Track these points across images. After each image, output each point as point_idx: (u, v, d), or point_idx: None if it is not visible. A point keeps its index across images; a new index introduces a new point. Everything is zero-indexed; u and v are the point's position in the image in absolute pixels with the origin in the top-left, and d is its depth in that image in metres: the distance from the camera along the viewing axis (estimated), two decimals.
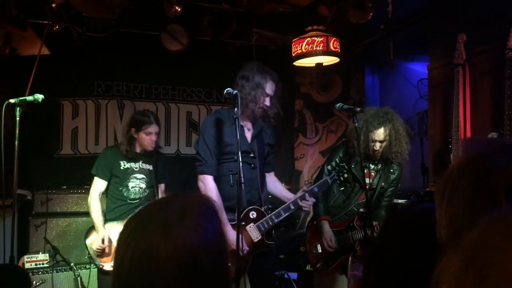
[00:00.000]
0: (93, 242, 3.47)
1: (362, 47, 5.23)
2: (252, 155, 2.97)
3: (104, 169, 3.56)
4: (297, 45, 4.14)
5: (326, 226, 3.33)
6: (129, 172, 3.56)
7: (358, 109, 2.91)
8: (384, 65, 4.79)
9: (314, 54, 4.07)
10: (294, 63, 4.34)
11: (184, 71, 5.40)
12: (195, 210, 0.96)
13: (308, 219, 3.88)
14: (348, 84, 5.58)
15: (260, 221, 2.90)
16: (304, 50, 4.09)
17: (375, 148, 3.18)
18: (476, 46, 3.23)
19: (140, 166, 3.61)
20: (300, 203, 2.96)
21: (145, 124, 3.50)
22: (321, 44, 4.03)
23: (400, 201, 4.27)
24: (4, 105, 2.63)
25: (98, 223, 3.47)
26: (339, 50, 4.12)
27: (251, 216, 2.91)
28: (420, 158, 3.83)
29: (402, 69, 4.93)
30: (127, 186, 3.54)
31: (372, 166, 3.35)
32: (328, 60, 4.31)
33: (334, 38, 4.06)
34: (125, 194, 3.54)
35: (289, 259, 4.63)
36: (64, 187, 4.57)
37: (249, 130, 3.05)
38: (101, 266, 3.45)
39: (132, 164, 3.59)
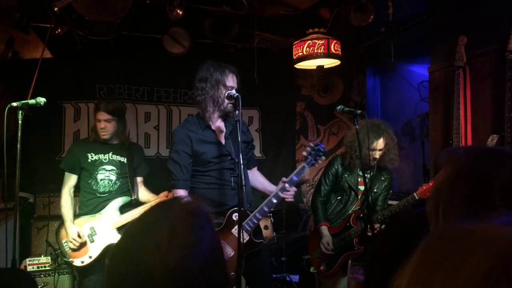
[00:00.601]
0: (64, 237, 3.48)
1: (363, 49, 5.24)
2: (230, 157, 2.90)
3: (72, 163, 3.55)
4: (298, 48, 4.15)
5: (325, 231, 3.47)
6: (97, 164, 3.53)
7: (359, 111, 2.93)
8: (385, 68, 4.79)
9: (315, 57, 4.08)
10: (295, 66, 4.35)
11: (186, 74, 5.37)
12: (184, 223, 0.90)
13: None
14: (350, 87, 5.59)
15: (245, 221, 2.80)
16: (305, 53, 4.11)
17: (375, 156, 3.35)
18: (477, 48, 3.23)
19: (110, 157, 3.58)
20: (282, 195, 2.86)
21: (96, 110, 3.50)
22: (322, 47, 4.04)
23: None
24: (7, 108, 2.64)
25: (67, 218, 3.48)
26: (340, 53, 4.13)
27: (234, 218, 2.83)
28: (421, 161, 3.83)
29: (403, 71, 4.94)
30: (96, 179, 3.52)
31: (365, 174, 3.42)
32: (329, 63, 4.32)
33: (335, 41, 4.07)
34: (94, 187, 3.52)
35: (290, 262, 4.63)
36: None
37: (222, 132, 3.00)
38: (71, 261, 3.45)
39: (101, 156, 3.56)
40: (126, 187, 3.59)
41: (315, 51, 4.05)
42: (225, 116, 3.00)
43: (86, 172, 3.54)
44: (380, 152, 3.36)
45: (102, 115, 3.49)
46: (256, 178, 3.22)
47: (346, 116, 5.44)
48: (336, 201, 3.58)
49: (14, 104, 2.65)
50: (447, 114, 3.44)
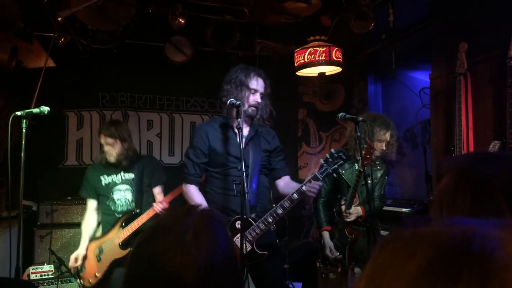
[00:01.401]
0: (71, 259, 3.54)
1: (365, 56, 5.26)
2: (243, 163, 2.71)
3: (88, 190, 3.61)
4: (299, 55, 4.18)
5: (326, 237, 3.47)
6: (111, 186, 3.55)
7: (361, 118, 2.94)
8: (387, 74, 4.81)
9: (317, 64, 4.11)
10: (297, 73, 4.37)
11: (188, 82, 5.44)
12: (206, 226, 0.94)
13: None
14: (351, 93, 5.60)
15: (247, 230, 2.66)
16: (306, 60, 4.13)
17: (382, 148, 3.38)
18: (478, 55, 3.24)
19: (122, 177, 3.58)
20: (304, 188, 2.69)
21: (98, 134, 3.54)
22: (324, 54, 4.06)
23: (404, 209, 4.28)
24: (11, 117, 2.66)
25: (81, 241, 3.56)
26: (341, 60, 4.15)
27: (237, 226, 2.73)
28: (423, 167, 3.82)
29: (405, 78, 4.95)
30: (113, 200, 3.54)
31: (357, 167, 3.41)
32: (331, 70, 4.34)
33: (336, 48, 4.09)
34: (112, 208, 3.54)
35: (293, 269, 4.62)
36: (69, 198, 4.59)
37: (244, 136, 2.89)
38: (81, 282, 3.49)
39: (114, 177, 3.57)
40: (140, 202, 3.61)
41: (317, 58, 4.08)
42: (250, 120, 2.95)
43: (102, 196, 3.57)
44: (386, 144, 3.39)
45: (103, 139, 3.50)
46: (289, 185, 3.03)
47: (348, 122, 5.45)
48: (337, 200, 3.54)
49: (18, 113, 2.67)
50: (449, 120, 3.45)
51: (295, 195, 2.71)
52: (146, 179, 3.63)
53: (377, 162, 3.54)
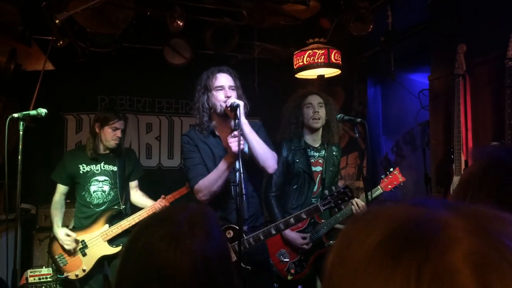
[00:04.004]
0: (55, 248, 3.45)
1: (364, 59, 5.26)
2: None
3: (61, 174, 3.53)
4: (298, 58, 4.18)
5: (289, 233, 3.19)
6: (89, 176, 3.50)
7: (359, 120, 2.93)
8: (386, 77, 4.80)
9: (316, 66, 4.10)
10: (296, 75, 4.37)
11: (187, 85, 5.39)
12: (202, 218, 0.96)
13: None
14: (351, 96, 5.59)
15: (236, 242, 2.47)
16: (305, 63, 4.13)
17: (314, 114, 3.27)
18: (477, 56, 3.24)
19: (102, 167, 3.54)
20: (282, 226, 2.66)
21: (113, 119, 3.48)
22: (323, 57, 4.06)
23: None
24: (8, 119, 2.66)
25: (54, 223, 3.48)
26: (341, 62, 4.15)
27: (228, 235, 2.62)
28: (423, 169, 3.81)
29: (404, 80, 4.95)
30: (89, 191, 3.50)
31: (316, 154, 3.38)
32: (330, 72, 4.34)
33: (335, 50, 4.09)
34: (88, 199, 3.49)
35: None
36: (68, 201, 4.56)
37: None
38: (66, 276, 3.42)
39: (93, 167, 3.52)
40: (117, 197, 3.57)
41: (316, 60, 4.07)
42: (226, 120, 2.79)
43: (79, 185, 3.52)
44: (320, 109, 3.28)
45: (120, 124, 3.51)
46: None
47: (347, 124, 5.44)
48: (292, 191, 3.30)
49: (16, 115, 2.67)
50: (448, 122, 3.44)
51: (292, 220, 2.67)
52: (127, 172, 3.64)
53: (333, 148, 3.42)
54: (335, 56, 4.09)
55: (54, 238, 3.49)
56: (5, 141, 2.58)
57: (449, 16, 3.58)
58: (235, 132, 2.44)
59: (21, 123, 2.66)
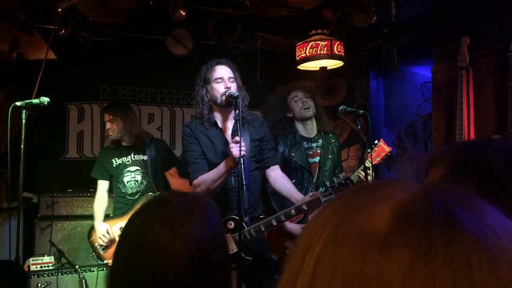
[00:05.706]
0: (96, 238, 3.60)
1: (366, 51, 5.24)
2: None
3: (100, 170, 3.72)
4: (301, 49, 4.16)
5: (289, 225, 3.17)
6: (121, 168, 3.66)
7: (361, 111, 2.94)
8: (389, 69, 4.79)
9: (318, 58, 4.08)
10: (298, 67, 4.35)
11: (189, 75, 5.38)
12: (200, 205, 0.97)
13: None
14: (353, 88, 5.58)
15: (237, 233, 2.46)
16: (308, 54, 4.11)
17: (303, 104, 3.35)
18: (480, 49, 3.23)
19: (132, 158, 3.68)
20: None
21: (104, 113, 3.69)
22: (325, 48, 4.04)
23: None
24: (10, 107, 2.66)
25: (95, 217, 3.62)
26: (343, 54, 4.13)
27: (229, 226, 2.65)
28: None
29: (406, 73, 4.93)
30: (123, 182, 3.65)
31: (314, 145, 3.40)
32: (332, 64, 4.32)
33: (338, 42, 4.07)
34: (123, 190, 3.65)
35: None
36: (70, 190, 4.60)
37: (228, 129, 2.84)
38: (106, 263, 3.54)
39: (124, 159, 3.68)
40: (151, 185, 3.70)
41: (318, 52, 4.05)
42: (232, 111, 2.82)
43: (114, 178, 3.69)
44: (307, 99, 3.36)
45: (106, 116, 3.66)
46: (282, 182, 2.93)
47: (349, 117, 5.43)
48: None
49: (18, 103, 2.68)
50: (450, 115, 3.44)
51: (293, 211, 2.66)
52: (159, 161, 3.73)
53: (330, 135, 3.51)
54: (338, 48, 4.07)
55: (93, 228, 3.66)
56: (7, 130, 2.58)
57: (452, 8, 3.56)
58: (237, 138, 2.45)
59: (24, 111, 2.67)
